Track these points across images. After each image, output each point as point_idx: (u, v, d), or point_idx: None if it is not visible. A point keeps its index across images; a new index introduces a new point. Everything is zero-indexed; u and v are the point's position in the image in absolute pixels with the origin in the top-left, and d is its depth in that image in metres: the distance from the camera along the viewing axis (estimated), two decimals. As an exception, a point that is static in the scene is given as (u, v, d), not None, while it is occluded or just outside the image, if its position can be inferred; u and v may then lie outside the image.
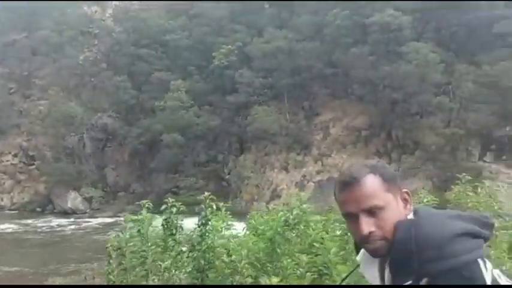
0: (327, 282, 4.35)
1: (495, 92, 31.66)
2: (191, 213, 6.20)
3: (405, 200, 1.46)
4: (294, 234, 4.98)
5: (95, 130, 47.28)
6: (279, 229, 4.91)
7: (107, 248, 4.83)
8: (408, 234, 1.33)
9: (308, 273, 4.16)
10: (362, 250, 1.52)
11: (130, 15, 51.76)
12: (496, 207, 5.84)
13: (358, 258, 1.58)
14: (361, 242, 1.43)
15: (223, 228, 5.77)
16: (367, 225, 1.38)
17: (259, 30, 44.48)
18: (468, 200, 6.00)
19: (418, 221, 1.38)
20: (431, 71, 33.28)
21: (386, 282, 1.44)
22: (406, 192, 1.47)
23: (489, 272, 1.26)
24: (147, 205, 5.25)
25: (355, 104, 39.80)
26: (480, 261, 1.27)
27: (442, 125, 34.30)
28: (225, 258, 4.59)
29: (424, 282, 1.29)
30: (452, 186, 6.53)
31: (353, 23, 38.00)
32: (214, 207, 5.15)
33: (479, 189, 6.25)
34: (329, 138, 39.65)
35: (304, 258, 4.22)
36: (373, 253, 1.42)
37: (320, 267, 4.49)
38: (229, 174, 41.78)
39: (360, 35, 37.81)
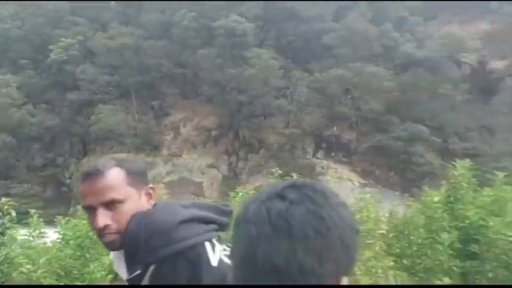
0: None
1: (324, 96, 35.86)
2: (19, 223, 5.46)
3: (149, 195, 1.48)
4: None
5: None
6: (89, 233, 4.70)
7: None
8: (138, 225, 1.36)
9: (109, 276, 4.06)
10: None
11: None
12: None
13: (111, 256, 1.55)
14: (98, 235, 1.41)
15: (35, 237, 5.30)
16: (103, 218, 1.36)
17: (103, 24, 42.06)
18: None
19: (150, 211, 1.42)
20: (271, 76, 35.99)
21: (126, 275, 1.42)
22: (151, 188, 1.50)
23: (217, 254, 1.33)
24: None
25: (204, 105, 40.60)
26: (208, 244, 1.35)
27: (282, 126, 37.39)
28: (23, 268, 4.19)
29: (151, 269, 1.33)
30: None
31: (200, 25, 38.74)
32: (14, 214, 4.67)
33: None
34: (179, 138, 39.67)
35: (107, 260, 4.11)
36: (108, 246, 1.41)
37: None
38: (70, 178, 38.54)
39: (207, 38, 38.76)
